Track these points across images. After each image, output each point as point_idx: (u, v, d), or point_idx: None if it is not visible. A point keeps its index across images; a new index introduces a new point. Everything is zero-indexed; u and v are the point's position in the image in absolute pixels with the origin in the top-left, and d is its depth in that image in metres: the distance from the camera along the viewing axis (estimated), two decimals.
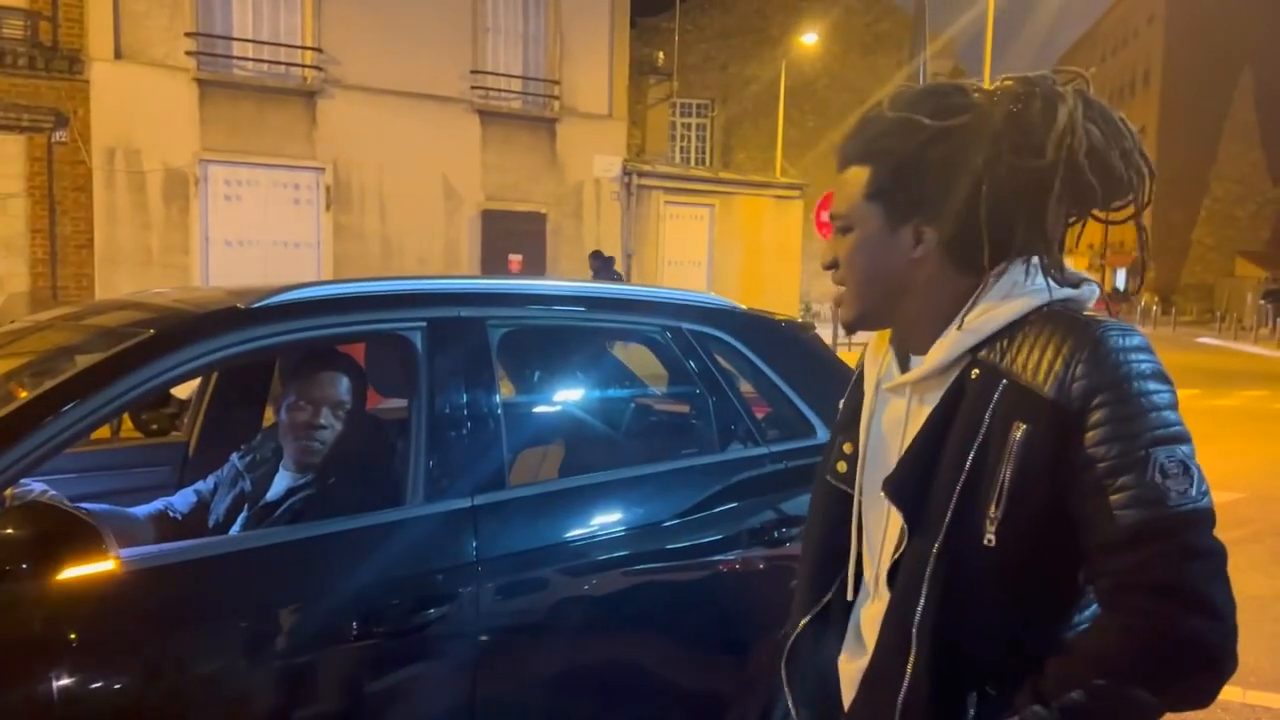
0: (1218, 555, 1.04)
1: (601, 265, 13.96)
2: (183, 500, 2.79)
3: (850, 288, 1.26)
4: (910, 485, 1.19)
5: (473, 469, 2.25)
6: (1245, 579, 4.81)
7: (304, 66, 14.49)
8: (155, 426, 7.97)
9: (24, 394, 1.98)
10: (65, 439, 1.82)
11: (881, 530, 1.27)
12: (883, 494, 1.23)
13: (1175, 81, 49.11)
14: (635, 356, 3.42)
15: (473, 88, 15.79)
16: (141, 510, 2.71)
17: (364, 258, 14.63)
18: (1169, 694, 1.03)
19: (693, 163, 22.86)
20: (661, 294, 2.95)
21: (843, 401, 1.43)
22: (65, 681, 1.68)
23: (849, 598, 1.35)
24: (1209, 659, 1.01)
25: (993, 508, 1.10)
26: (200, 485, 2.82)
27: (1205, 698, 1.04)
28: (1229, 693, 3.83)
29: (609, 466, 2.69)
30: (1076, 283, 1.19)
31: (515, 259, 15.89)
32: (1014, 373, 1.13)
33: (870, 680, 1.25)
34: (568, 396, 3.35)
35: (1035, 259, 1.16)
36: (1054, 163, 1.12)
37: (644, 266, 17.89)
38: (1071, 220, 1.20)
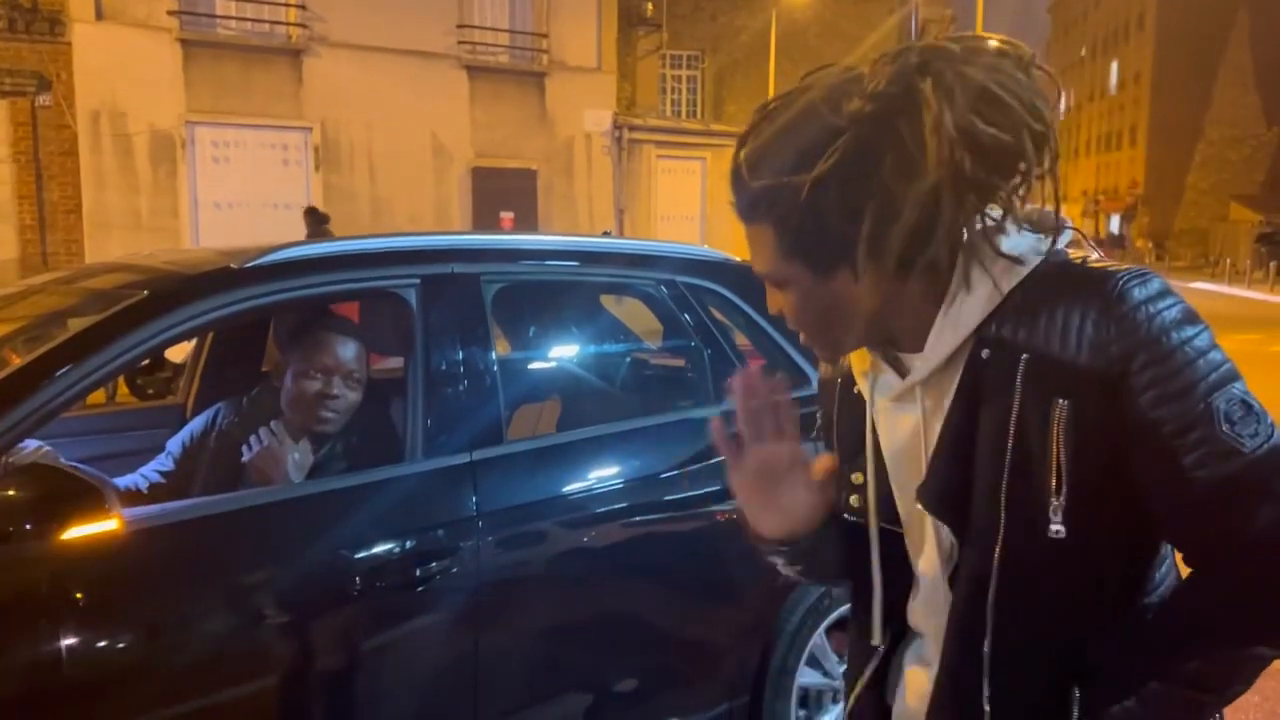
0: None
1: (314, 224, 11.62)
2: (151, 472, 2.67)
3: (814, 340, 1.17)
4: (950, 490, 1.08)
5: (470, 425, 2.26)
6: None
7: (288, 25, 14.29)
8: (150, 390, 7.97)
9: (19, 358, 1.98)
10: (62, 402, 1.82)
11: (933, 549, 1.16)
12: (920, 507, 1.12)
13: (1170, 24, 48.64)
14: (629, 311, 3.42)
15: (459, 43, 15.59)
16: (121, 482, 2.65)
17: (354, 218, 14.52)
18: None
19: (684, 115, 22.66)
20: (656, 247, 2.94)
21: (824, 417, 1.32)
22: (71, 640, 1.70)
23: (874, 642, 1.25)
24: None
25: (1053, 496, 1.00)
26: (171, 448, 2.70)
27: None
28: None
29: (606, 420, 2.71)
30: (1050, 228, 1.06)
31: (507, 216, 15.82)
32: (1034, 345, 1.02)
33: (937, 710, 1.15)
34: (563, 352, 3.35)
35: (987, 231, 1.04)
36: (937, 183, 0.98)
37: (636, 221, 17.80)
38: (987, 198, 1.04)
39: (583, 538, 2.37)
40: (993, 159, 0.99)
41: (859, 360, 1.22)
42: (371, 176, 14.96)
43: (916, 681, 1.23)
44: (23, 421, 1.77)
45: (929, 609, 1.19)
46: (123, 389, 7.63)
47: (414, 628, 2.09)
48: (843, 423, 1.26)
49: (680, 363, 3.27)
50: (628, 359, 3.43)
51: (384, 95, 14.65)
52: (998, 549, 1.04)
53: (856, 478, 1.22)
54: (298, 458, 2.30)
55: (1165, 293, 1.00)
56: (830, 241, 1.05)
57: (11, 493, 1.66)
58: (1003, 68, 1.00)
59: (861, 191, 1.01)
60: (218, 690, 1.87)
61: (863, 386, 1.22)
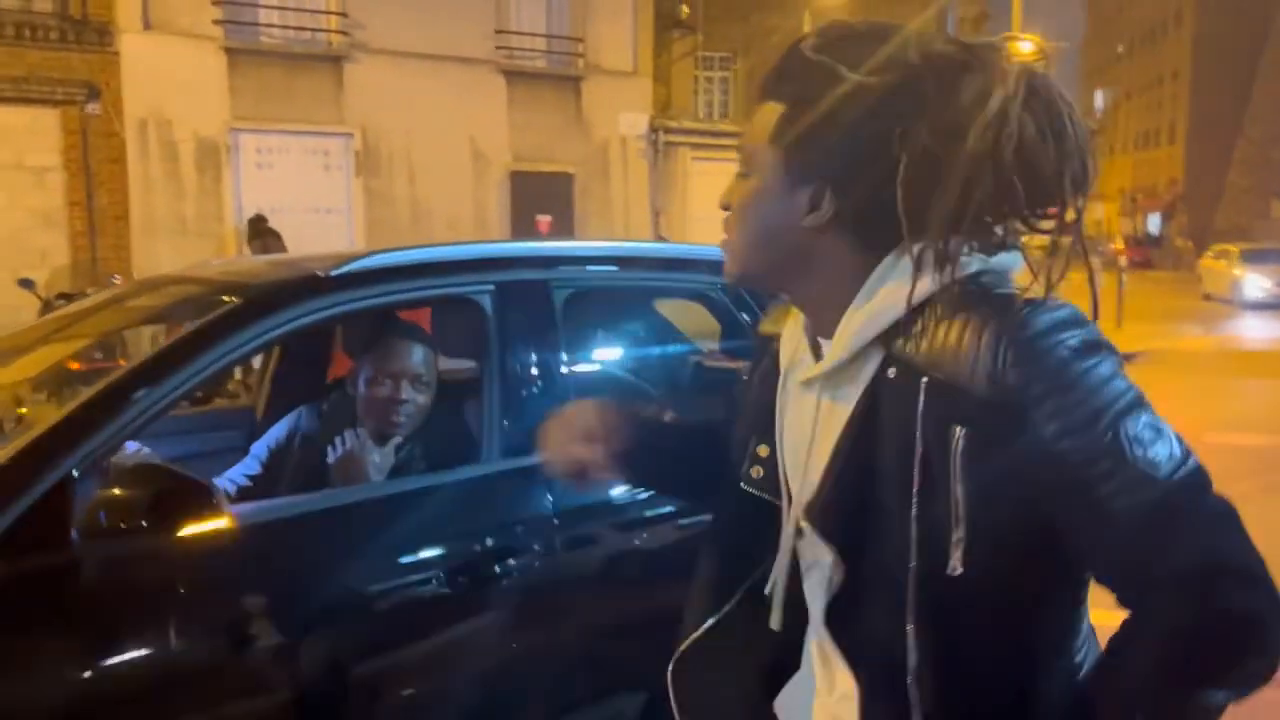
0: (1231, 515, 0.91)
1: (255, 230, 10.67)
2: (239, 475, 2.72)
3: (735, 240, 1.11)
4: (838, 510, 1.03)
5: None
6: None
7: (330, 32, 14.48)
8: (198, 393, 8.10)
9: (124, 361, 2.07)
10: (166, 404, 1.91)
11: (809, 553, 1.11)
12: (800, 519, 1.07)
13: (1208, 21, 48.01)
14: (677, 314, 3.47)
15: (497, 48, 15.72)
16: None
17: (394, 222, 14.69)
18: (1231, 681, 0.89)
19: (716, 116, 22.68)
20: (714, 251, 3.00)
21: (747, 387, 1.26)
22: (185, 635, 1.78)
23: (774, 626, 1.18)
24: (1259, 630, 0.87)
25: (954, 530, 0.95)
26: (257, 453, 2.76)
27: (1257, 680, 0.89)
28: None
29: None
30: (991, 251, 1.03)
31: (544, 220, 15.91)
32: (933, 367, 0.97)
33: None
34: (624, 355, 3.41)
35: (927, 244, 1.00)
36: (976, 154, 0.96)
37: (671, 223, 17.85)
38: (989, 220, 1.01)
39: (645, 537, 2.43)
40: (1027, 170, 0.97)
41: (788, 330, 1.18)
42: (411, 181, 15.11)
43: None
44: (131, 423, 1.86)
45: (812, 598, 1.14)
46: None
47: (492, 621, 2.16)
48: (754, 388, 1.23)
49: (738, 365, 3.32)
50: (691, 361, 3.49)
51: (423, 101, 14.79)
52: (910, 583, 0.98)
53: (762, 450, 1.18)
54: (378, 460, 2.39)
55: (1070, 322, 0.95)
56: (825, 150, 1.03)
57: (120, 492, 1.73)
58: (1074, 113, 0.99)
59: (891, 123, 0.99)
60: (313, 679, 1.96)
61: (783, 357, 1.18)
